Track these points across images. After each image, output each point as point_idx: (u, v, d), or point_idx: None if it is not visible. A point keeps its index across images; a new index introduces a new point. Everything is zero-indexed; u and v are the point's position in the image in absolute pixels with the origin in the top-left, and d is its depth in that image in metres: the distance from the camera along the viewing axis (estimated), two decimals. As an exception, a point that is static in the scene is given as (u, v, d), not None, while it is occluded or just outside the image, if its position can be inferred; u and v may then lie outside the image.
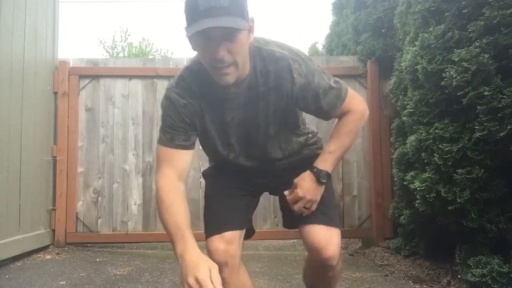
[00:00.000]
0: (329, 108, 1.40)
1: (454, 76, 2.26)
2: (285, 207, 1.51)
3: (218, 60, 1.16)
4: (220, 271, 1.16)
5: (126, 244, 4.01)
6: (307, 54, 1.47)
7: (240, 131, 1.40)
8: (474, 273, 2.18)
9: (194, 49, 1.24)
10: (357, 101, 1.45)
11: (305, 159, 1.50)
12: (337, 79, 1.44)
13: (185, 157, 1.35)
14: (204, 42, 1.16)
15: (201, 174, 1.65)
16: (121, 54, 11.72)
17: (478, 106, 2.18)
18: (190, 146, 1.36)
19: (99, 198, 3.82)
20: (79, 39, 16.17)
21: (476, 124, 2.19)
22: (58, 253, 3.46)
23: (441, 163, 2.33)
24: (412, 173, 2.69)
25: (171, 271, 2.97)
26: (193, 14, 1.13)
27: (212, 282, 1.07)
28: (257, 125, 1.39)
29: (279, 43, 1.35)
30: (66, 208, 3.71)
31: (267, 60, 1.30)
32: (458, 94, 2.28)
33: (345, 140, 1.45)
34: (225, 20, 1.10)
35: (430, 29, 2.53)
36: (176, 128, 1.33)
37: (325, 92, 1.36)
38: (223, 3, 1.11)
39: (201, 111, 1.35)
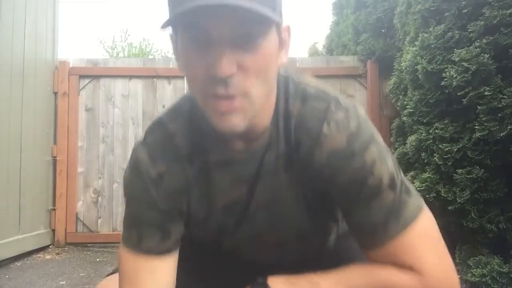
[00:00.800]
0: (366, 226, 0.71)
1: (454, 76, 2.26)
2: None
3: (217, 80, 0.61)
4: None
5: (126, 244, 4.00)
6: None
7: (248, 227, 0.80)
8: (474, 273, 2.18)
9: (181, 66, 0.69)
10: (438, 260, 0.72)
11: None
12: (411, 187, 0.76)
13: (161, 272, 0.76)
14: (196, 44, 0.63)
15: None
16: (121, 54, 11.72)
17: (478, 106, 2.18)
18: (171, 249, 0.77)
19: (99, 198, 3.82)
20: (79, 39, 16.17)
21: (476, 124, 2.19)
22: (58, 253, 3.46)
23: (441, 163, 2.33)
24: (412, 173, 2.69)
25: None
26: None
27: None
28: (281, 217, 0.78)
29: (320, 83, 0.79)
30: (66, 208, 3.71)
31: (291, 98, 0.74)
32: (458, 94, 2.28)
33: None
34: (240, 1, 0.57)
35: (430, 29, 2.53)
36: (143, 220, 0.76)
37: (376, 189, 0.70)
38: None
39: (186, 184, 0.77)
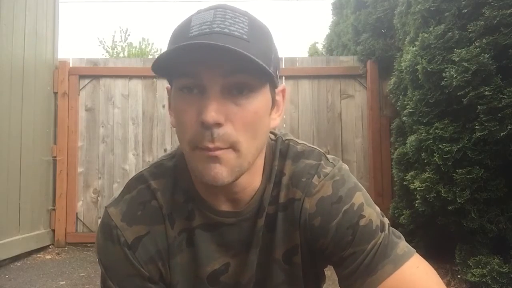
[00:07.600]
0: (360, 270, 0.70)
1: (454, 76, 2.25)
2: None
3: (205, 127, 0.60)
4: None
5: (126, 244, 4.01)
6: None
7: None
8: (474, 273, 2.18)
9: (172, 120, 0.69)
10: None
11: None
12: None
13: None
14: (188, 91, 0.62)
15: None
16: (121, 54, 11.72)
17: (478, 106, 2.18)
18: None
19: (99, 198, 3.82)
20: (79, 39, 16.20)
21: (476, 124, 2.19)
22: (58, 253, 3.46)
23: (441, 163, 2.33)
24: (412, 173, 2.69)
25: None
26: (176, 42, 0.62)
27: None
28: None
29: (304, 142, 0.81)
30: (66, 208, 3.71)
31: (282, 158, 0.76)
32: (458, 94, 2.28)
33: None
34: (235, 49, 0.56)
35: (430, 29, 2.53)
36: None
37: (369, 230, 0.71)
38: (238, 30, 0.61)
39: (167, 246, 0.72)
